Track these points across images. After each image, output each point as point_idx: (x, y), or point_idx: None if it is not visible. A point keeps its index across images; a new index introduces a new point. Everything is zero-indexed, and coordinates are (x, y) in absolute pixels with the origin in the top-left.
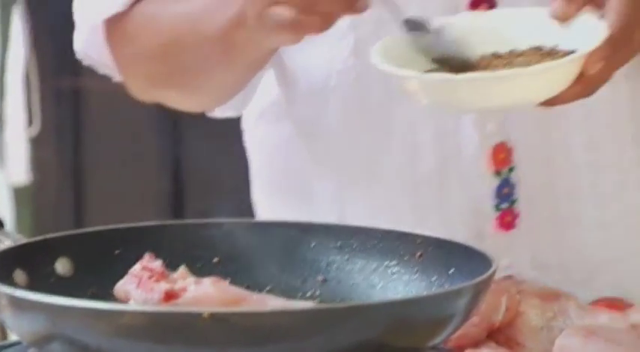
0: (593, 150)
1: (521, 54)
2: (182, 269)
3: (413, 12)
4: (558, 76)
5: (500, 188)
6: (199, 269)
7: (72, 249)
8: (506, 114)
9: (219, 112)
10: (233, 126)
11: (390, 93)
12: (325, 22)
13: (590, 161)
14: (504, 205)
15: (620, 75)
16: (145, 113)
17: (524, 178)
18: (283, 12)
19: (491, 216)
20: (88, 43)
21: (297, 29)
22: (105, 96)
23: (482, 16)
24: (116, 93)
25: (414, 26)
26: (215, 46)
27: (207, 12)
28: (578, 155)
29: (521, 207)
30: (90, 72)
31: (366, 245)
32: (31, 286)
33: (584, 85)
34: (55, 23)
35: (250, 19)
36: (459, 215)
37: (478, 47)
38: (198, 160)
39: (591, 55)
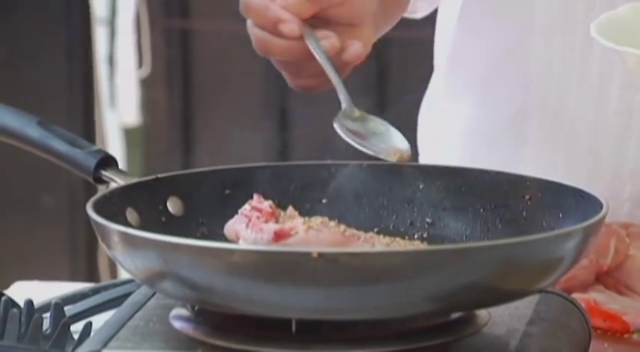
0: None
1: None
2: (291, 210)
3: None
4: None
5: None
6: (308, 210)
7: (183, 188)
8: None
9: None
10: None
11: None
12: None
13: None
14: None
15: None
16: (254, 52)
17: None
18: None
19: None
20: None
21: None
22: (214, 36)
23: None
24: (225, 33)
25: None
26: None
27: None
28: None
29: None
30: (200, 12)
31: (474, 187)
32: (143, 225)
33: None
34: None
35: None
36: (630, 171)
37: None
38: (307, 104)
39: None
